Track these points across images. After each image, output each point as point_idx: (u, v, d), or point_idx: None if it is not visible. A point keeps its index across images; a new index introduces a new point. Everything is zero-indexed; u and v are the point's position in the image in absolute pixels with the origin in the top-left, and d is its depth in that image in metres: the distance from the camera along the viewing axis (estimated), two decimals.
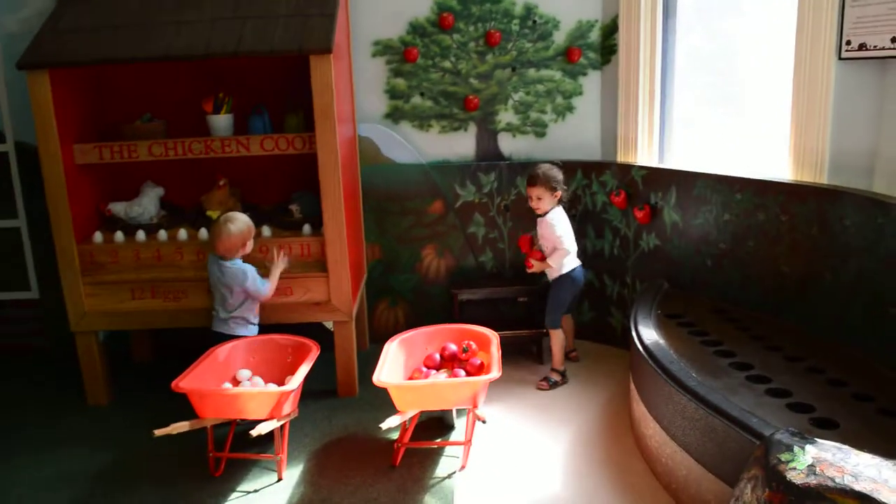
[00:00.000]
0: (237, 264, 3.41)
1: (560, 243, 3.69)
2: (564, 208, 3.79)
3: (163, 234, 3.65)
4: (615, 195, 3.95)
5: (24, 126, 4.15)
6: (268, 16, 3.51)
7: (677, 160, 3.92)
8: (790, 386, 2.61)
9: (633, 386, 3.21)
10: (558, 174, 3.72)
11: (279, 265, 3.52)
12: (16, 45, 3.96)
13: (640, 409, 3.04)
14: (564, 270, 3.73)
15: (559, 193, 3.71)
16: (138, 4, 3.63)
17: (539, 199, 3.69)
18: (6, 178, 4.28)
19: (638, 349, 3.05)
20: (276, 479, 3.01)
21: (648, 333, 3.12)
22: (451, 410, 3.37)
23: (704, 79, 3.86)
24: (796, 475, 1.94)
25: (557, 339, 3.77)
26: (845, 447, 2.00)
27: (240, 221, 3.41)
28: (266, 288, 3.45)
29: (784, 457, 2.00)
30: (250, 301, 3.46)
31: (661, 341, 3.05)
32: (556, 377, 3.75)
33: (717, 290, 3.52)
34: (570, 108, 4.21)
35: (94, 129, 3.82)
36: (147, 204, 3.84)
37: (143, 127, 3.76)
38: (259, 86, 3.94)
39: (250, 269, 3.42)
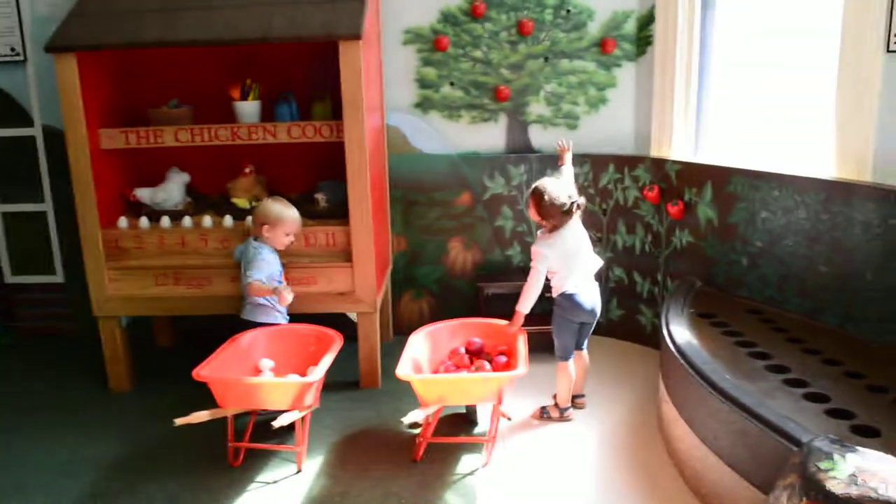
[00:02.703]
0: (256, 245, 3.38)
1: (533, 265, 3.17)
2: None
3: (188, 221, 3.62)
4: (648, 190, 3.85)
5: (51, 110, 4.16)
6: (297, 1, 3.46)
7: (713, 155, 3.81)
8: (829, 391, 2.51)
9: (662, 386, 3.13)
10: (560, 204, 3.10)
11: (282, 290, 3.25)
12: (45, 28, 3.97)
13: (669, 410, 2.95)
14: (563, 291, 3.19)
15: (548, 222, 3.15)
16: None
17: (533, 217, 3.24)
18: (34, 162, 4.29)
19: (669, 348, 2.96)
20: (295, 470, 2.97)
21: (680, 332, 3.03)
22: (475, 406, 3.31)
23: (744, 72, 3.74)
24: (836, 484, 1.85)
25: (562, 374, 3.26)
26: (888, 456, 1.91)
27: (267, 204, 3.41)
28: (250, 278, 3.29)
29: (824, 465, 1.91)
30: None
31: (694, 341, 2.95)
32: (553, 413, 3.31)
33: (753, 290, 3.42)
34: (603, 101, 4.11)
35: (121, 114, 3.79)
36: (172, 190, 3.81)
37: (170, 113, 3.73)
38: (287, 73, 3.89)
39: (261, 255, 3.35)
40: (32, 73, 4.20)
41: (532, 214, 3.23)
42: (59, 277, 4.44)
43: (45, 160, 4.28)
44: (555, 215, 3.14)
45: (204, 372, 2.91)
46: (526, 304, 3.21)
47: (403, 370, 2.95)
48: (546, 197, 3.12)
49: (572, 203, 3.13)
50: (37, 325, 4.56)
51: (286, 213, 3.41)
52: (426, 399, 2.95)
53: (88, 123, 3.45)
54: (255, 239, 3.42)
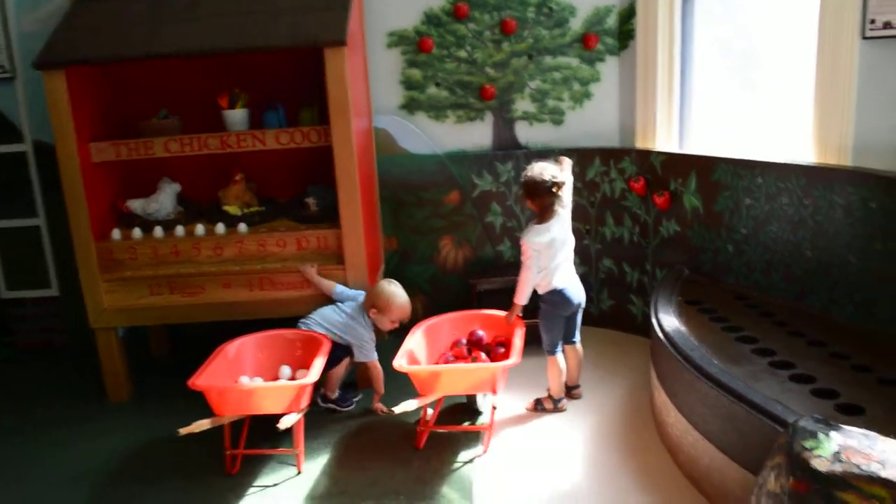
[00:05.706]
0: (366, 323, 3.42)
1: (524, 260, 3.23)
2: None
3: (180, 230, 3.66)
4: (634, 181, 3.90)
5: (41, 125, 4.19)
6: (279, 10, 3.49)
7: (697, 145, 3.86)
8: (814, 372, 2.56)
9: (653, 374, 3.17)
10: (543, 181, 3.15)
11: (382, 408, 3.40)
12: (32, 45, 3.99)
13: (661, 397, 3.00)
14: (552, 287, 3.24)
15: (538, 203, 3.20)
16: (150, 3, 3.62)
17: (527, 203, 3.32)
18: (25, 176, 4.32)
19: (658, 336, 3.01)
20: (295, 472, 3.01)
21: (669, 320, 3.08)
22: (476, 396, 3.37)
23: (725, 62, 3.78)
24: (821, 462, 1.89)
25: (552, 367, 3.31)
26: (871, 433, 1.95)
27: (379, 288, 3.41)
28: (373, 357, 3.43)
29: (808, 444, 1.95)
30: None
31: (682, 328, 3.00)
32: (548, 404, 3.36)
33: (739, 276, 3.46)
34: (587, 95, 4.15)
35: (111, 127, 3.83)
36: (164, 200, 3.85)
37: (159, 124, 3.77)
38: (274, 81, 3.93)
39: (371, 335, 3.43)
40: (21, 90, 4.23)
41: (526, 200, 3.30)
42: (54, 291, 4.47)
43: (36, 175, 4.31)
44: (541, 195, 3.17)
45: (199, 381, 2.94)
46: (522, 296, 3.27)
47: (399, 361, 3.01)
48: (529, 175, 3.19)
49: (554, 180, 3.15)
50: (33, 338, 4.58)
51: (395, 301, 3.38)
52: (421, 389, 3.02)
53: (79, 137, 3.47)
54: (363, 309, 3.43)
